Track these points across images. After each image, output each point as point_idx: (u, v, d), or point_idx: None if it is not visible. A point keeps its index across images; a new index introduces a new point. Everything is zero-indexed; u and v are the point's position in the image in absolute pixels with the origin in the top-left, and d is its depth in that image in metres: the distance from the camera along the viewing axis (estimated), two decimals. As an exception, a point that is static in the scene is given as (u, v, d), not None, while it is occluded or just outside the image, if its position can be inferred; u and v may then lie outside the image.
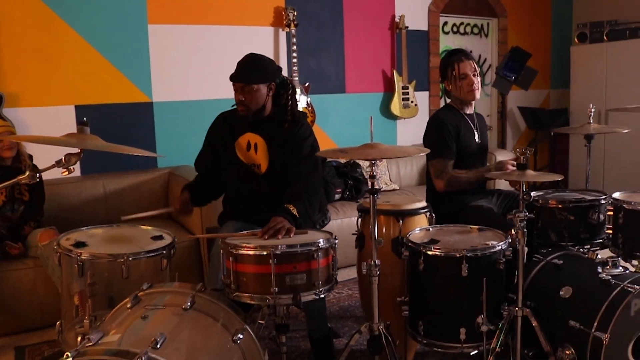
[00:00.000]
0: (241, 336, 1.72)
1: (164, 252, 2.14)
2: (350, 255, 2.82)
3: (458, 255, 2.02)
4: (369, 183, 1.95)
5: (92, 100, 3.89)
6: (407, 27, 5.00)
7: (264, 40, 4.48)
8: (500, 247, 2.09)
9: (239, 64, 2.50)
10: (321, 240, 1.91)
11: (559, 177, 2.01)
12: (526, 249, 2.16)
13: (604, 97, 5.45)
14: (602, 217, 2.43)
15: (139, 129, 4.09)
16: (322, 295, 1.90)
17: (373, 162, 1.88)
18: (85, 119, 1.91)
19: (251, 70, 2.47)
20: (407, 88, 5.08)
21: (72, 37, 3.76)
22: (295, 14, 4.41)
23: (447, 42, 5.45)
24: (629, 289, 1.89)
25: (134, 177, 3.89)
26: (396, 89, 5.04)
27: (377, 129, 5.10)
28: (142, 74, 4.04)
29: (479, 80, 2.86)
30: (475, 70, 2.83)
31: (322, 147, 4.66)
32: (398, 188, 4.62)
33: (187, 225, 3.63)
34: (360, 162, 4.44)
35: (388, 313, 2.41)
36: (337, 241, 1.98)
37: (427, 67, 5.28)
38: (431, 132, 2.87)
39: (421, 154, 1.87)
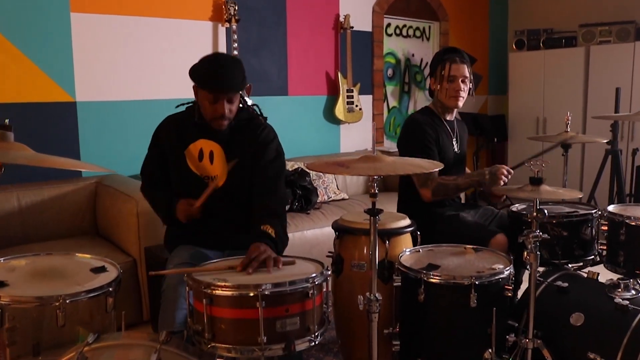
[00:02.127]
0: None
1: (110, 289, 1.72)
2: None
3: (466, 284, 1.77)
4: (371, 203, 1.63)
5: (4, 98, 3.31)
6: (352, 27, 4.77)
7: (201, 36, 4.06)
8: (507, 272, 1.85)
9: (215, 68, 2.01)
10: (315, 274, 1.58)
11: (579, 194, 1.81)
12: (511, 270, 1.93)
13: (542, 103, 5.51)
14: (594, 231, 2.28)
15: (59, 133, 3.53)
16: (318, 341, 1.57)
17: (377, 178, 1.57)
18: (7, 121, 1.45)
19: (236, 75, 2.03)
20: (352, 91, 4.84)
21: (-23, 25, 3.17)
22: (237, 8, 4.03)
23: (390, 45, 5.28)
24: (650, 315, 1.72)
25: (55, 188, 3.34)
26: (340, 92, 4.79)
27: (321, 134, 4.82)
28: (64, 69, 3.49)
29: (467, 88, 2.62)
30: (466, 76, 2.59)
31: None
32: (347, 197, 4.36)
33: (121, 245, 3.14)
34: (309, 170, 4.12)
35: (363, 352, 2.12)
36: (329, 272, 1.65)
37: (371, 70, 5.08)
38: (410, 137, 2.60)
39: (436, 170, 1.59)
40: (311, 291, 1.51)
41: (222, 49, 4.13)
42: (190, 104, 2.21)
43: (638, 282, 2.18)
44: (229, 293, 1.47)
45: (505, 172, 2.38)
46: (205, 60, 2.08)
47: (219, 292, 1.48)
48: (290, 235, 3.46)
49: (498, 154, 5.77)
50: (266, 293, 1.44)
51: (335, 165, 1.53)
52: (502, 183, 2.40)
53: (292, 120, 4.63)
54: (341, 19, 4.77)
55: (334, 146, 4.95)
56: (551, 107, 5.45)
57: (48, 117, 3.46)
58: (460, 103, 2.63)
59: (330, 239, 2.30)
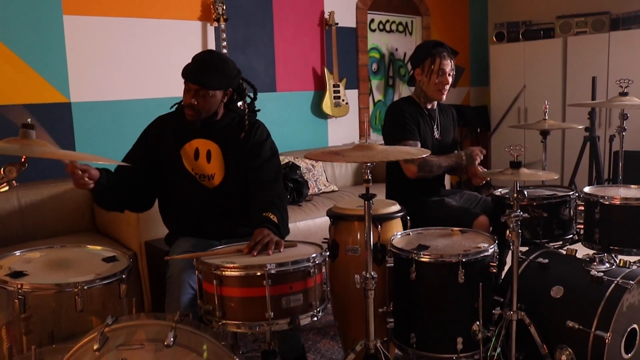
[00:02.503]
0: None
1: (123, 276, 1.83)
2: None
3: (454, 261, 1.91)
4: (365, 188, 1.76)
5: (0, 100, 3.38)
6: (337, 23, 4.89)
7: (191, 35, 4.15)
8: (492, 250, 2.00)
9: (197, 60, 2.13)
10: (315, 254, 1.71)
11: (554, 175, 1.96)
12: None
13: (523, 94, 5.68)
14: (572, 212, 2.44)
15: (55, 133, 3.61)
16: (320, 315, 1.70)
17: (369, 165, 1.70)
18: (29, 120, 1.56)
19: (212, 73, 2.09)
20: (338, 86, 4.97)
21: (-30, 28, 3.24)
22: (225, 7, 4.13)
23: (374, 40, 5.41)
24: (624, 285, 1.88)
25: (54, 186, 3.41)
26: (327, 87, 4.91)
27: (309, 128, 4.95)
28: (58, 71, 3.56)
29: (450, 82, 2.78)
30: (452, 70, 2.74)
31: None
32: (337, 189, 4.49)
33: (121, 239, 3.24)
34: (299, 164, 4.25)
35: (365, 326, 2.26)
36: (328, 253, 1.78)
37: (356, 65, 5.21)
38: (392, 120, 2.75)
39: (424, 156, 1.73)
40: (312, 270, 1.64)
41: (212, 47, 4.22)
42: (180, 104, 2.28)
43: (612, 257, 2.34)
44: (237, 273, 1.60)
45: (479, 152, 2.57)
46: (196, 55, 2.19)
47: (227, 272, 1.60)
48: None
49: (482, 143, 5.94)
50: (272, 272, 1.57)
51: (332, 154, 1.65)
52: (478, 161, 2.62)
53: (281, 115, 4.75)
54: (326, 15, 4.88)
55: (322, 140, 5.07)
56: (531, 97, 5.63)
57: (44, 118, 3.54)
58: (444, 96, 2.77)
59: (322, 229, 2.42)
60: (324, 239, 2.40)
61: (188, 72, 2.12)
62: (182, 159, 2.22)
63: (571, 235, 2.48)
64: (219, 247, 1.91)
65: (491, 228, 2.53)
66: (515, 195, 1.91)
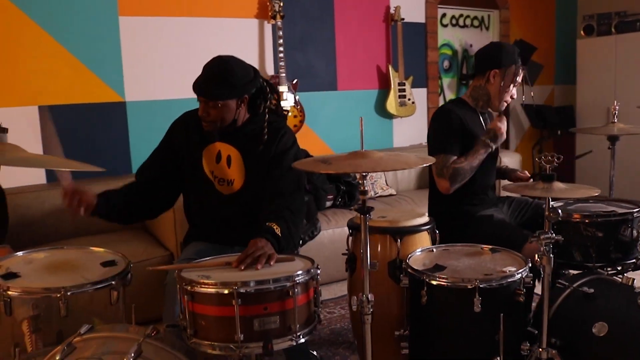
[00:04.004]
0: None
1: (113, 282, 1.77)
2: (343, 269, 2.42)
3: (469, 287, 1.65)
4: (361, 200, 1.57)
5: (58, 100, 3.51)
6: (403, 19, 4.64)
7: (247, 34, 4.10)
8: (520, 275, 1.72)
9: (206, 72, 2.05)
10: (300, 272, 1.54)
11: (596, 192, 1.65)
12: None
13: (614, 93, 5.09)
14: (635, 233, 2.07)
15: (111, 132, 3.70)
16: (302, 341, 1.53)
17: (364, 174, 1.50)
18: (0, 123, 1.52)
19: (219, 84, 2.01)
20: (404, 85, 4.71)
21: (34, 31, 3.37)
22: (282, 4, 4.04)
23: (446, 36, 5.09)
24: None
25: (106, 184, 3.45)
26: (392, 86, 4.67)
27: (373, 129, 4.74)
28: (114, 71, 3.65)
29: None
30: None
31: (312, 149, 4.37)
32: (395, 193, 4.26)
33: (161, 239, 3.25)
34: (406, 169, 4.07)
35: (384, 348, 2.05)
36: (319, 271, 1.60)
37: (425, 62, 4.92)
38: (435, 126, 2.51)
39: (424, 165, 1.50)
40: (292, 290, 1.47)
41: (268, 45, 4.16)
42: None
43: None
44: (206, 290, 1.47)
45: (499, 125, 2.31)
46: (207, 63, 2.09)
47: (197, 289, 1.48)
48: (330, 231, 3.48)
49: (564, 146, 5.40)
50: (241, 291, 1.42)
51: (318, 163, 1.48)
52: (504, 134, 2.35)
53: (342, 115, 4.59)
54: (392, 10, 4.65)
55: (387, 141, 4.85)
56: (623, 97, 5.02)
57: (99, 116, 3.64)
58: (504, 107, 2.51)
59: None
60: (345, 251, 2.22)
61: (196, 85, 2.05)
62: (203, 160, 2.15)
63: (634, 260, 2.10)
64: (215, 257, 1.80)
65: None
66: (547, 213, 1.62)
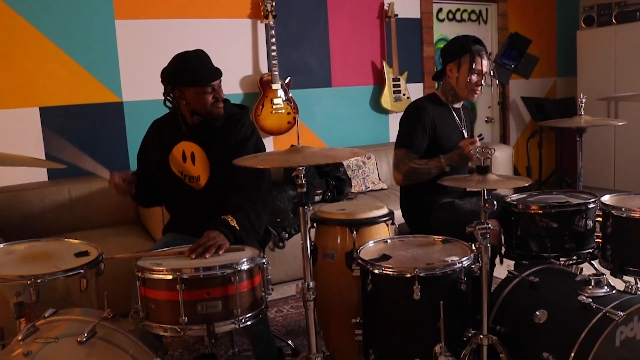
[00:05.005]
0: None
1: (82, 271, 1.90)
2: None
3: (409, 275, 1.73)
4: (301, 193, 1.66)
5: (58, 101, 3.68)
6: (397, 15, 4.69)
7: (241, 34, 4.21)
8: (460, 265, 1.79)
9: (196, 62, 2.21)
10: (245, 260, 1.64)
11: (526, 182, 1.71)
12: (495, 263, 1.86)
13: (614, 84, 5.06)
14: (590, 223, 2.11)
15: (109, 131, 3.87)
16: (247, 324, 1.63)
17: (301, 168, 1.59)
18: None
19: (211, 64, 2.23)
20: (399, 80, 4.77)
21: (33, 35, 3.54)
22: (274, 4, 4.13)
23: (443, 30, 5.12)
24: (611, 316, 1.58)
25: (103, 181, 3.63)
26: (386, 82, 4.73)
27: (369, 124, 4.81)
28: (111, 72, 3.80)
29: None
30: (489, 71, 2.52)
31: (308, 145, 4.49)
32: (386, 187, 4.33)
33: (152, 232, 3.40)
34: (349, 160, 4.15)
35: (343, 335, 2.15)
36: (264, 260, 1.70)
37: (421, 57, 4.96)
38: (404, 120, 2.57)
39: (356, 158, 1.58)
40: (233, 277, 1.58)
41: (262, 44, 4.26)
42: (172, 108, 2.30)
43: (622, 279, 1.99)
44: (155, 277, 1.58)
45: (470, 147, 2.30)
46: (181, 61, 2.20)
47: (148, 275, 1.60)
48: (318, 225, 3.57)
49: (565, 140, 5.38)
50: (183, 277, 1.54)
51: (253, 158, 1.57)
52: (474, 157, 2.31)
53: (337, 111, 4.67)
54: (385, 7, 4.71)
55: (383, 136, 4.91)
56: (624, 88, 4.98)
57: (97, 116, 3.80)
58: (476, 97, 2.55)
59: None
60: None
61: (202, 76, 2.16)
62: (170, 162, 2.27)
63: (590, 251, 2.14)
64: (172, 248, 1.91)
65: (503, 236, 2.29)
66: (483, 204, 1.69)
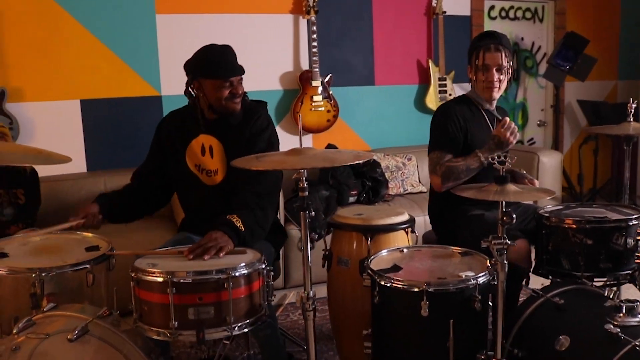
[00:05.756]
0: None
1: (88, 266, 1.88)
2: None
3: (417, 290, 1.61)
4: (301, 196, 1.56)
5: (98, 94, 3.74)
6: (445, 12, 4.50)
7: (282, 30, 4.15)
8: (475, 281, 1.64)
9: (218, 56, 2.20)
10: (242, 264, 1.57)
11: (550, 194, 1.55)
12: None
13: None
14: (631, 242, 1.90)
15: (147, 124, 3.86)
16: (240, 332, 1.56)
17: (301, 171, 1.50)
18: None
19: (235, 60, 2.20)
20: (445, 79, 4.58)
21: (76, 29, 3.62)
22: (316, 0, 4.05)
23: (494, 28, 4.82)
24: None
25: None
26: (432, 81, 4.56)
27: (412, 124, 4.65)
28: (150, 66, 3.84)
29: (504, 78, 2.36)
30: (502, 65, 2.32)
31: (349, 145, 4.39)
32: (425, 190, 4.16)
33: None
34: (380, 161, 4.03)
35: (355, 346, 2.04)
36: (264, 266, 1.63)
37: (470, 57, 4.74)
38: (435, 123, 2.45)
39: (359, 161, 1.48)
40: (227, 282, 1.51)
41: (304, 40, 4.19)
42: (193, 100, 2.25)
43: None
44: (147, 278, 1.54)
45: (506, 133, 2.16)
46: (204, 53, 2.17)
47: (141, 276, 1.56)
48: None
49: (622, 145, 5.01)
50: (174, 280, 1.48)
51: (251, 159, 1.49)
52: (513, 141, 2.19)
53: (380, 110, 4.54)
54: (433, 3, 4.53)
55: (427, 137, 4.72)
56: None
57: (136, 110, 3.84)
58: (496, 94, 2.38)
59: None
60: (325, 249, 2.22)
61: (221, 70, 2.14)
62: (186, 156, 2.23)
63: (630, 272, 1.94)
64: (174, 247, 1.87)
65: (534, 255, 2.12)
66: (500, 217, 1.54)
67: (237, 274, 1.54)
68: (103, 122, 3.79)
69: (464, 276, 1.66)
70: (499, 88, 2.36)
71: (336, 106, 4.22)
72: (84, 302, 1.96)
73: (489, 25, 4.82)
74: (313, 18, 4.05)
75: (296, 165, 1.43)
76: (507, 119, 2.27)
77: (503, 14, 4.89)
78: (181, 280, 1.49)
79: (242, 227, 1.86)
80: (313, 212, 1.56)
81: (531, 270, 2.11)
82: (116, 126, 3.80)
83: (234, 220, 1.86)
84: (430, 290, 1.60)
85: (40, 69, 3.57)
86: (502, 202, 1.55)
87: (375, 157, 4.06)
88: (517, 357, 1.67)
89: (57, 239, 2.15)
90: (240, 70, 2.16)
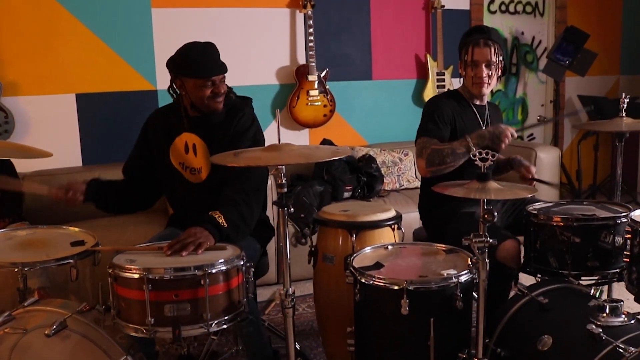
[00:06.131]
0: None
1: (72, 261, 1.88)
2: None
3: (397, 288, 1.59)
4: (276, 193, 1.55)
5: (94, 88, 3.74)
6: (443, 6, 4.46)
7: (279, 24, 4.13)
8: (457, 280, 1.62)
9: (200, 53, 2.14)
10: (221, 261, 1.56)
11: (531, 193, 1.53)
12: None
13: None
14: (619, 240, 1.87)
15: (143, 118, 3.78)
16: (218, 328, 1.55)
17: (279, 167, 1.49)
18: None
19: (218, 58, 2.16)
20: (443, 74, 4.55)
21: (71, 23, 3.61)
22: (312, -7, 4.02)
23: (494, 23, 4.82)
24: (621, 351, 1.38)
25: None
26: (430, 76, 4.53)
27: (410, 119, 4.60)
28: (146, 61, 3.83)
29: (494, 73, 2.34)
30: (491, 60, 2.29)
31: (346, 140, 4.36)
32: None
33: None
34: (375, 157, 4.00)
35: (340, 343, 2.03)
36: (242, 262, 1.61)
37: (469, 51, 4.69)
38: (424, 112, 2.42)
39: (341, 157, 1.46)
40: (204, 279, 1.50)
41: (300, 35, 4.16)
42: (177, 98, 2.25)
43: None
44: (124, 275, 1.53)
45: (510, 135, 2.12)
46: (186, 51, 2.15)
47: (118, 272, 1.55)
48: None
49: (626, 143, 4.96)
50: (149, 277, 1.47)
51: (228, 155, 1.48)
52: (503, 147, 2.14)
53: (377, 105, 4.51)
54: (432, -2, 4.49)
55: (425, 132, 4.70)
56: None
57: (132, 104, 3.83)
58: (485, 89, 2.36)
59: None
60: (311, 246, 2.20)
61: (201, 68, 2.10)
62: (170, 153, 2.22)
63: (617, 271, 1.91)
64: (145, 243, 1.86)
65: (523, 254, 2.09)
66: (482, 215, 1.52)
67: (214, 270, 1.53)
68: (99, 116, 3.78)
69: (445, 274, 1.64)
70: (489, 84, 2.34)
71: (333, 101, 4.20)
72: (70, 296, 1.98)
73: (488, 19, 4.77)
74: (310, 12, 4.02)
75: (272, 161, 1.42)
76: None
77: (503, 7, 4.84)
78: (157, 277, 1.48)
79: (225, 223, 1.84)
80: (292, 209, 1.54)
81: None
82: (112, 120, 3.80)
83: (216, 216, 1.85)
84: (410, 288, 1.58)
85: (35, 63, 3.57)
86: (483, 200, 1.52)
87: (371, 152, 4.03)
88: (500, 357, 1.66)
89: (44, 233, 2.15)
90: (223, 69, 2.13)
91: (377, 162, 3.97)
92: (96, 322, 1.59)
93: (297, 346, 2.49)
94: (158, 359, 2.10)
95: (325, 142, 4.01)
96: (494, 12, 4.81)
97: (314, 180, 3.69)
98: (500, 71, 2.36)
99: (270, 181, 3.30)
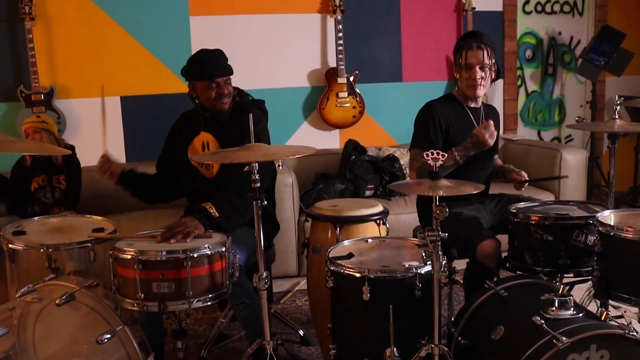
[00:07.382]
0: (108, 336, 1.68)
1: (89, 244, 2.15)
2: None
3: (359, 276, 1.75)
4: (253, 187, 1.74)
5: (136, 91, 4.08)
6: (474, 8, 4.50)
7: (310, 29, 4.32)
8: (416, 271, 1.76)
9: (205, 57, 2.40)
10: (205, 246, 1.78)
11: (478, 189, 1.63)
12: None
13: None
14: (592, 239, 1.93)
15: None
16: (202, 305, 1.77)
17: (253, 164, 1.68)
18: None
19: (224, 61, 2.39)
20: (474, 76, 4.57)
21: (117, 31, 3.96)
22: (342, -1, 4.19)
23: (529, 24, 4.81)
24: (555, 341, 1.47)
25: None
26: (461, 77, 4.57)
27: (442, 121, 4.69)
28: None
29: (487, 75, 2.43)
30: (484, 62, 2.39)
31: (376, 140, 4.50)
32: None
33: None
34: (401, 157, 4.11)
35: (326, 331, 2.20)
36: (224, 249, 1.82)
37: (502, 53, 4.71)
38: (417, 121, 2.55)
39: (306, 154, 1.63)
40: (186, 262, 1.72)
41: (331, 39, 4.33)
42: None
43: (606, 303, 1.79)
44: (120, 255, 1.78)
45: (485, 132, 2.21)
46: (195, 57, 2.39)
47: (116, 254, 1.80)
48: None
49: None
50: (140, 258, 1.71)
51: (208, 154, 1.69)
52: (491, 143, 2.25)
53: (407, 106, 4.56)
54: (463, 0, 4.54)
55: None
56: None
57: (171, 105, 4.09)
58: (480, 92, 2.44)
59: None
60: (306, 238, 2.38)
61: (206, 71, 2.35)
62: (189, 152, 2.46)
63: (589, 269, 1.96)
64: (151, 231, 2.09)
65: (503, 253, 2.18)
66: (435, 210, 1.65)
67: (196, 255, 1.75)
68: (141, 117, 4.12)
69: (407, 265, 1.77)
70: (482, 86, 2.42)
71: (362, 102, 4.34)
72: (91, 277, 2.26)
73: (523, 21, 4.76)
74: (339, 17, 4.19)
75: (241, 159, 1.62)
76: (491, 122, 2.32)
77: (539, 8, 4.81)
78: (145, 259, 1.71)
79: (216, 214, 2.04)
80: (265, 202, 1.73)
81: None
82: (153, 120, 4.11)
83: (208, 207, 2.05)
84: (371, 276, 1.73)
85: (85, 68, 3.94)
86: (435, 197, 1.65)
87: (396, 153, 4.14)
88: (459, 344, 1.77)
89: (72, 220, 2.45)
90: (227, 72, 2.35)
91: (401, 162, 4.08)
92: (104, 296, 1.85)
93: (302, 333, 2.68)
94: (166, 335, 2.33)
95: (350, 142, 4.17)
96: (529, 13, 4.79)
97: (337, 178, 3.86)
98: (494, 74, 2.44)
99: (291, 179, 3.51)
